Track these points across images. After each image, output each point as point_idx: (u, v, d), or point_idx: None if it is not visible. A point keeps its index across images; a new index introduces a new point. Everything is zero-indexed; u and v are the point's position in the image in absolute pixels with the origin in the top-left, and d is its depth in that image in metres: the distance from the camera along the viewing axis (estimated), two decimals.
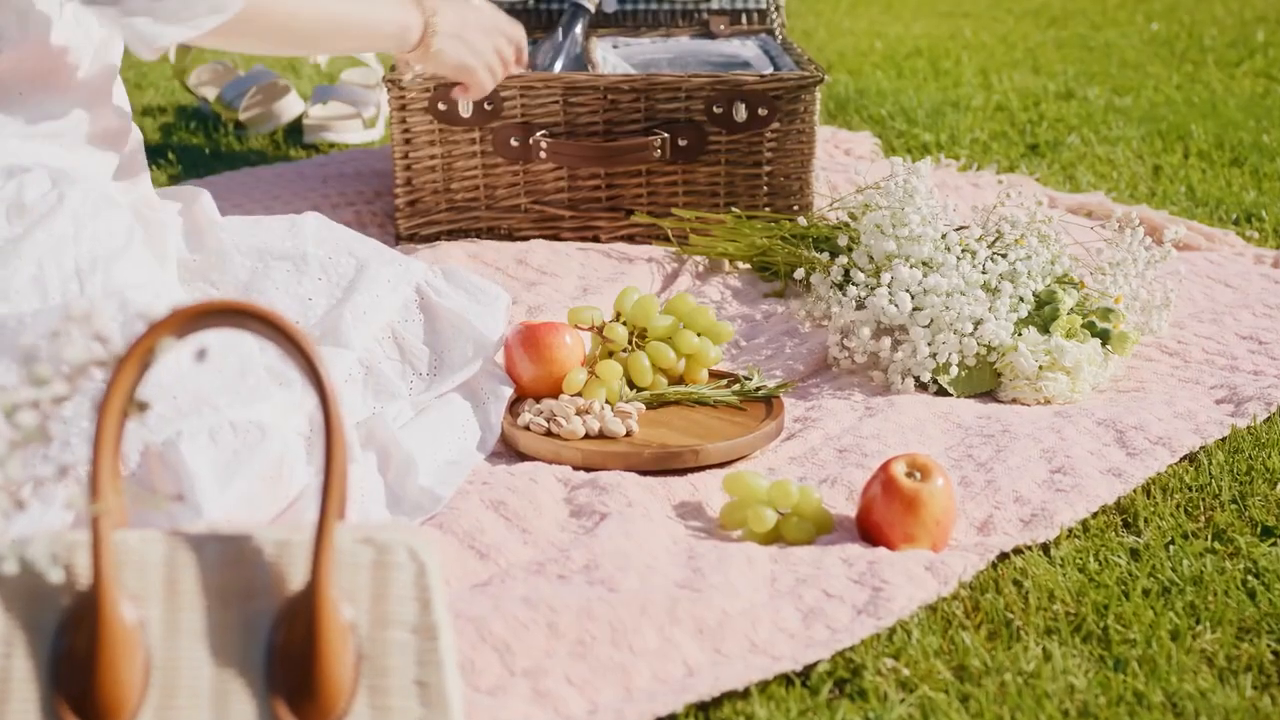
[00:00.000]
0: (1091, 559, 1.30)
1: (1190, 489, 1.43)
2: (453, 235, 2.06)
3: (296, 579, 0.87)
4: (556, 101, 2.01)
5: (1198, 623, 1.20)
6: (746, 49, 2.40)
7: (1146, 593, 1.25)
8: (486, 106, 2.02)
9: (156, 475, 1.17)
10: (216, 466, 1.18)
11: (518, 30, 1.77)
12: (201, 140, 2.66)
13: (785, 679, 1.11)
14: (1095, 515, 1.38)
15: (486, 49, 1.71)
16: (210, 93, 2.81)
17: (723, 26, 2.45)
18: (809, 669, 1.13)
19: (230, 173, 2.41)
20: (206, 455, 1.17)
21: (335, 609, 0.86)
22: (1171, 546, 1.32)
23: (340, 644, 0.86)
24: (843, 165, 2.49)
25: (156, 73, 3.17)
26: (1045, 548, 1.32)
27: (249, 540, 0.87)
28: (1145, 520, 1.37)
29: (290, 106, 2.72)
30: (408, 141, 2.03)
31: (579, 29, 2.30)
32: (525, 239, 2.06)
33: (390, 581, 0.88)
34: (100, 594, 0.84)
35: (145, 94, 3.00)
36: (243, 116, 2.69)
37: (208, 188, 2.28)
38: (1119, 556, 1.30)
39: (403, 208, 2.06)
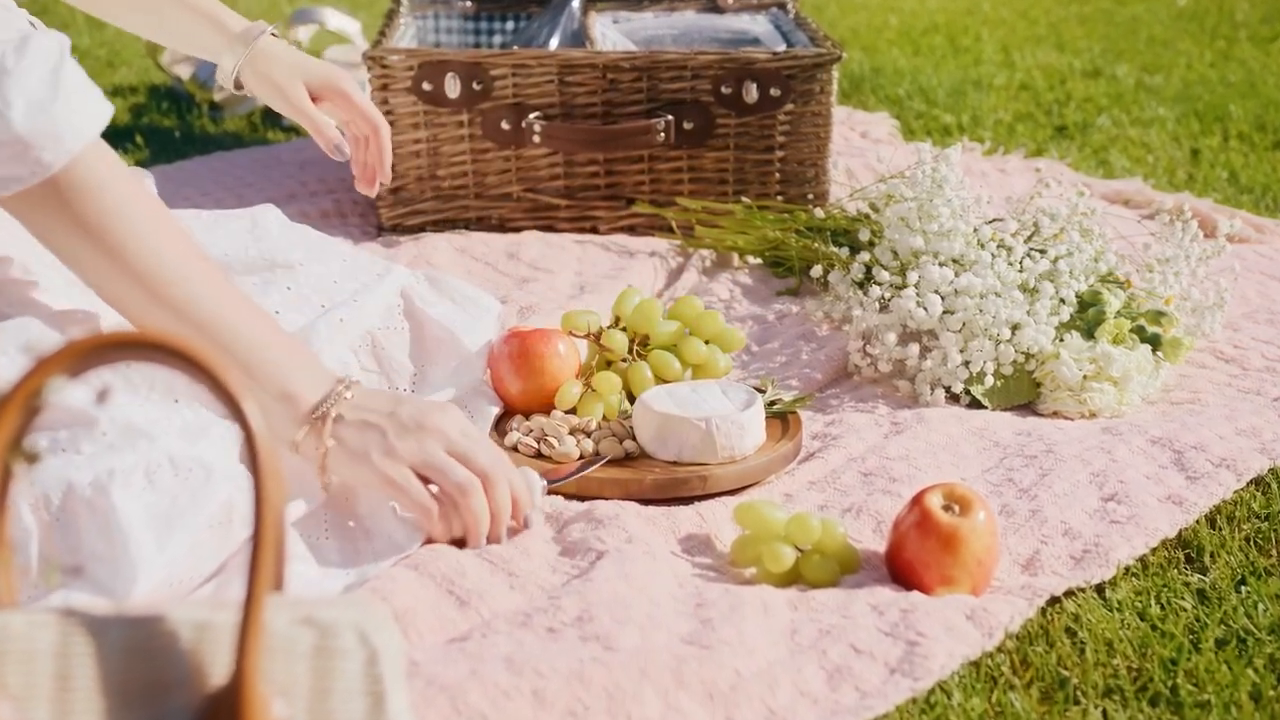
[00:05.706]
0: (1153, 602, 1.15)
1: (1259, 518, 1.28)
2: (439, 226, 1.93)
3: (219, 670, 0.72)
4: (551, 81, 1.88)
5: None
6: (757, 24, 2.28)
7: (1220, 644, 1.10)
8: (475, 86, 1.87)
9: (80, 525, 1.00)
10: (154, 518, 1.01)
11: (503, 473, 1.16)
12: (174, 122, 2.50)
13: None
14: (1154, 550, 1.23)
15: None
16: (185, 71, 2.65)
17: (731, 0, 2.32)
18: None
19: (202, 157, 2.27)
20: (141, 502, 1.00)
21: (266, 708, 0.70)
22: (1243, 587, 1.17)
23: None
24: (860, 149, 2.33)
25: (129, 50, 3.02)
26: (1100, 589, 1.17)
27: (161, 623, 0.72)
28: (1211, 555, 1.22)
29: None
30: (390, 124, 1.88)
31: (577, 2, 2.18)
32: (517, 230, 1.94)
33: (334, 673, 0.72)
34: None
35: (117, 72, 2.85)
36: (218, 97, 2.54)
37: (177, 173, 2.15)
38: (1184, 600, 1.15)
39: (385, 196, 1.92)
